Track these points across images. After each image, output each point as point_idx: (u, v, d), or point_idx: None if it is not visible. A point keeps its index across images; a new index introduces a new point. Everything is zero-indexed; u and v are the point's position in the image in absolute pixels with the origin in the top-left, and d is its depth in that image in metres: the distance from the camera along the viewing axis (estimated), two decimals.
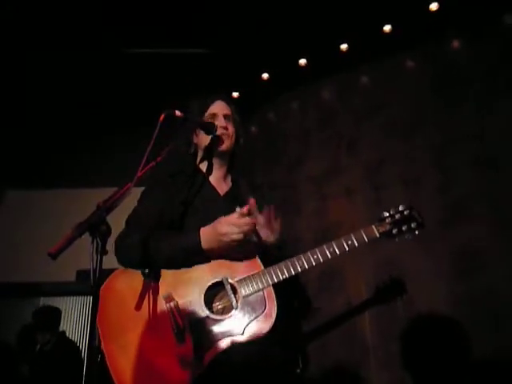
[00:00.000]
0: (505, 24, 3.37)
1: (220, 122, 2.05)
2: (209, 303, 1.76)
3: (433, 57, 3.59)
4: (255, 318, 1.70)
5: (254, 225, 1.79)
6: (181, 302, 1.73)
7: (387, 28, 3.60)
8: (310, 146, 3.99)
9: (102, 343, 1.71)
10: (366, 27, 3.62)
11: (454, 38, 3.55)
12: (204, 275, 1.78)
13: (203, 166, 2.10)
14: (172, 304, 1.72)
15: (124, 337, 1.71)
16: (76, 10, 3.40)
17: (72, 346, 4.43)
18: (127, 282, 1.79)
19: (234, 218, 1.73)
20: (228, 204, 1.96)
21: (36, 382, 4.06)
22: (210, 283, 1.76)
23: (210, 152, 2.07)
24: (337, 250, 1.83)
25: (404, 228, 1.88)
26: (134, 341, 1.70)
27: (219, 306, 1.78)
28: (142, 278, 1.76)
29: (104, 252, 1.38)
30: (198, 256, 1.77)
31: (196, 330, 1.69)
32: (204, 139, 2.06)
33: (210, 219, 1.80)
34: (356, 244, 1.85)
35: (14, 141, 5.12)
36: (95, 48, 3.73)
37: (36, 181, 6.01)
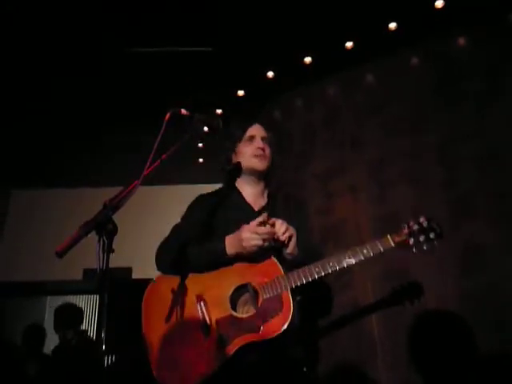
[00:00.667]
0: (510, 22, 3.36)
1: (258, 143, 2.25)
2: (234, 303, 1.97)
3: (438, 55, 3.59)
4: (272, 317, 1.87)
5: (273, 233, 1.96)
6: (210, 301, 1.97)
7: (392, 26, 3.59)
8: (314, 144, 3.99)
9: (144, 330, 2.04)
10: (371, 25, 3.61)
11: (458, 36, 3.55)
12: (231, 279, 2.00)
13: (240, 183, 2.30)
14: (202, 303, 1.97)
15: (161, 328, 1.98)
16: (77, 9, 3.40)
17: (94, 344, 4.40)
18: (168, 284, 2.05)
19: (254, 225, 1.95)
20: None
21: (52, 380, 4.06)
22: (235, 286, 1.98)
23: (247, 171, 2.26)
24: (353, 260, 1.91)
25: (421, 238, 1.86)
26: (169, 332, 1.97)
27: (243, 307, 1.98)
28: (180, 281, 2.02)
29: (110, 250, 1.39)
30: (222, 259, 2.00)
31: (221, 327, 1.91)
32: (243, 158, 2.26)
33: None
34: (371, 254, 1.89)
35: (18, 142, 5.15)
36: (97, 47, 3.72)
37: (41, 180, 6.05)
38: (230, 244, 1.98)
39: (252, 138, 2.27)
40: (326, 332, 3.22)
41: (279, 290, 1.91)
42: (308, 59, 3.93)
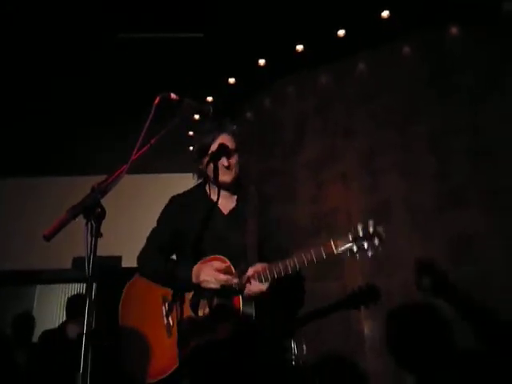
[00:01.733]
0: (504, 11, 3.35)
1: (222, 161, 2.20)
2: (197, 304, 2.10)
3: (431, 46, 3.58)
4: (223, 320, 1.98)
5: (231, 283, 1.99)
6: (174, 302, 2.12)
7: (385, 14, 3.57)
8: (306, 133, 3.98)
9: (120, 323, 2.26)
10: (363, 13, 3.59)
11: (452, 27, 3.53)
12: None
13: (211, 186, 2.31)
14: (166, 304, 2.15)
15: (134, 324, 2.21)
16: None
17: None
18: (145, 282, 2.25)
19: (215, 269, 2.01)
20: (231, 222, 2.22)
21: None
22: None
23: (214, 181, 2.26)
24: (297, 265, 1.92)
25: (365, 245, 1.81)
26: (140, 330, 2.19)
27: (204, 308, 2.09)
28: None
29: (98, 234, 1.38)
30: (187, 286, 2.10)
31: (181, 327, 2.07)
32: (209, 172, 2.23)
33: (213, 236, 2.15)
34: (315, 260, 1.89)
35: (9, 129, 5.09)
36: (86, 33, 3.68)
37: (32, 168, 5.99)
38: (195, 275, 2.06)
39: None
40: (313, 321, 3.24)
41: (231, 295, 1.99)
42: (300, 47, 3.90)
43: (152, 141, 1.68)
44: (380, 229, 1.82)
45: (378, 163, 3.53)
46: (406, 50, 3.71)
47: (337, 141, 3.79)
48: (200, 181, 2.38)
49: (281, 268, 1.93)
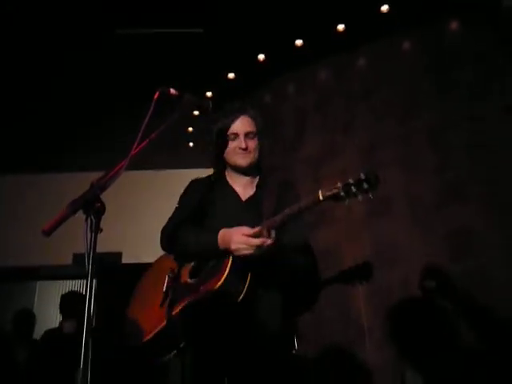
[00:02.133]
0: (503, 6, 3.34)
1: (240, 143, 2.17)
2: (197, 272, 2.05)
3: (430, 39, 3.58)
4: (210, 279, 1.94)
5: (263, 244, 1.87)
6: (178, 272, 2.10)
7: (384, 8, 3.57)
8: (306, 129, 3.98)
9: (132, 303, 2.27)
10: (363, 7, 3.59)
11: (451, 19, 3.53)
12: None
13: (229, 172, 2.29)
14: (170, 274, 2.11)
15: (140, 302, 2.24)
16: None
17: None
18: (162, 262, 2.26)
19: (248, 234, 1.88)
20: (249, 209, 2.16)
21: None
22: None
23: (231, 166, 2.25)
24: (286, 217, 1.86)
25: (354, 190, 1.71)
26: (142, 303, 2.20)
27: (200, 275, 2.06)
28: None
29: (98, 230, 1.38)
30: (213, 252, 1.99)
31: (175, 293, 2.04)
32: (226, 154, 2.22)
33: (229, 224, 1.99)
34: (302, 208, 1.84)
35: (8, 126, 5.09)
36: (85, 29, 3.67)
37: (31, 164, 5.99)
38: (222, 240, 1.97)
39: (235, 135, 2.20)
40: (313, 313, 3.25)
41: (223, 257, 1.94)
42: (299, 42, 3.89)
43: (151, 136, 1.67)
44: (371, 175, 1.70)
45: (377, 158, 3.53)
46: (406, 44, 3.71)
47: (337, 136, 3.79)
48: (218, 168, 2.33)
49: (276, 220, 1.88)
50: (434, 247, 3.10)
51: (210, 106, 1.99)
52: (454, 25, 3.53)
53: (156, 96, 1.74)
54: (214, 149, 2.27)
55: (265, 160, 2.35)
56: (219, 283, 1.88)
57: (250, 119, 2.23)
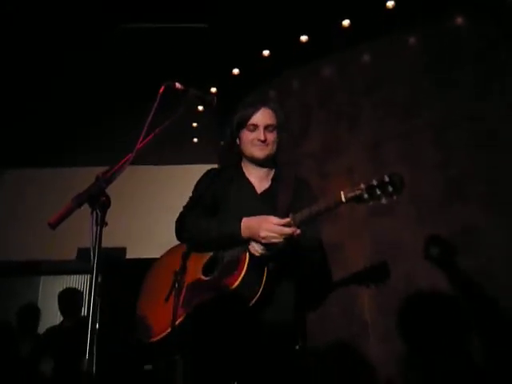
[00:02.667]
0: (507, 3, 3.32)
1: (259, 135, 2.17)
2: (212, 268, 2.04)
3: (434, 35, 3.56)
4: (227, 277, 1.93)
5: (291, 235, 1.88)
6: (189, 268, 2.08)
7: (390, 4, 3.56)
8: (310, 124, 3.97)
9: (141, 297, 2.26)
10: (368, 3, 3.57)
11: (455, 17, 3.51)
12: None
13: (246, 164, 2.30)
14: (178, 270, 2.08)
15: (150, 297, 2.21)
16: None
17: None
18: (169, 256, 2.25)
19: (279, 223, 1.88)
20: (264, 202, 2.17)
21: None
22: (209, 255, 2.08)
23: (248, 157, 2.26)
24: (304, 218, 1.85)
25: (378, 192, 1.69)
26: (152, 298, 2.17)
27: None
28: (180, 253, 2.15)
29: (104, 223, 1.38)
30: (235, 240, 2.00)
31: (188, 290, 2.03)
32: (243, 145, 2.24)
33: (244, 216, 2.01)
34: (323, 210, 1.82)
35: (12, 120, 5.10)
36: (88, 23, 3.66)
37: (33, 160, 6.01)
38: (246, 228, 1.96)
39: (255, 127, 2.19)
40: (317, 308, 3.26)
41: (238, 253, 1.96)
42: (304, 37, 3.88)
43: (157, 130, 1.68)
44: (396, 177, 1.68)
45: (382, 155, 3.52)
46: (410, 41, 3.69)
47: (341, 133, 3.79)
48: (235, 160, 2.35)
49: (304, 214, 1.86)
50: (437, 245, 3.09)
51: (215, 100, 1.99)
52: (457, 22, 3.51)
53: (161, 90, 1.74)
54: (232, 139, 2.29)
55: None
56: (237, 282, 1.88)
57: (271, 111, 2.23)
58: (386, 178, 1.68)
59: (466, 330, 2.85)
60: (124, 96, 4.55)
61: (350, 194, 1.73)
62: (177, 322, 1.96)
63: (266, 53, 4.04)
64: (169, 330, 1.97)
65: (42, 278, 7.59)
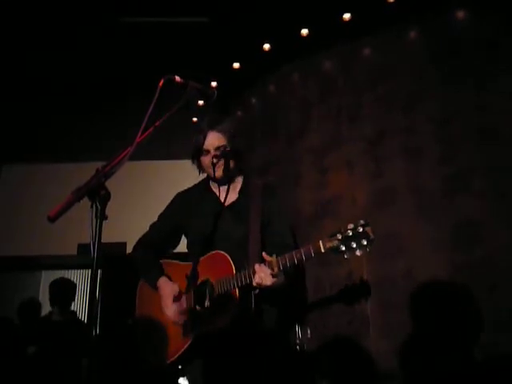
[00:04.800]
0: None
1: (209, 157, 2.33)
2: (202, 296, 2.20)
3: (436, 27, 3.54)
4: (220, 312, 2.09)
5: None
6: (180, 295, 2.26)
7: None
8: (310, 119, 3.96)
9: (137, 312, 2.46)
10: None
11: (457, 8, 3.49)
12: (198, 273, 2.25)
13: (212, 182, 2.47)
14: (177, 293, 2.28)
15: (148, 314, 2.38)
16: None
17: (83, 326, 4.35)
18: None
19: (176, 312, 2.22)
20: (231, 214, 2.33)
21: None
22: (200, 280, 2.23)
23: (210, 178, 2.45)
24: (287, 264, 1.98)
25: (354, 245, 1.85)
26: (152, 319, 2.34)
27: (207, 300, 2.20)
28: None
29: (103, 217, 1.38)
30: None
31: (186, 319, 2.21)
32: (203, 168, 2.42)
33: (214, 229, 2.27)
34: (304, 258, 1.94)
35: (8, 116, 5.09)
36: (88, 16, 3.65)
37: (35, 154, 6.00)
38: (160, 287, 2.30)
39: (207, 151, 2.34)
40: (319, 305, 3.26)
41: (229, 287, 2.09)
42: (305, 31, 3.86)
43: (156, 123, 1.67)
44: (368, 228, 1.86)
45: (382, 148, 3.51)
46: (412, 33, 3.67)
47: (341, 126, 3.77)
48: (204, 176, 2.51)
49: (280, 263, 1.99)
50: (439, 237, 3.09)
51: (215, 94, 1.97)
52: (459, 14, 3.49)
53: (161, 83, 1.73)
54: (196, 165, 2.46)
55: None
56: (228, 319, 2.05)
57: (217, 134, 2.34)
58: (360, 229, 1.85)
59: (467, 323, 2.84)
60: (124, 90, 4.54)
61: (329, 245, 1.89)
62: (181, 351, 2.17)
63: (266, 47, 4.02)
64: (175, 356, 2.18)
65: (43, 273, 7.60)
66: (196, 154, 2.41)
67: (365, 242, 1.84)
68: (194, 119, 5.01)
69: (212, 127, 2.35)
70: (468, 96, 3.24)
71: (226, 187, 2.39)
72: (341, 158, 3.68)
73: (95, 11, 3.60)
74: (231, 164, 2.36)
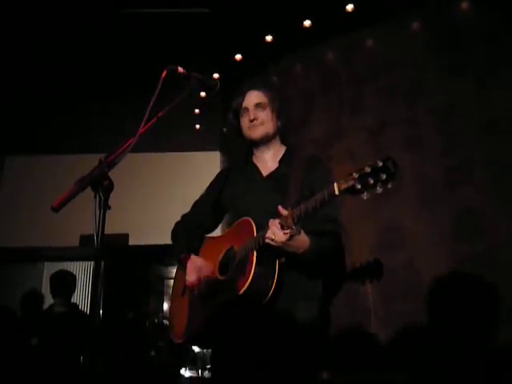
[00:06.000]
0: None
1: (248, 115, 2.22)
2: (225, 266, 2.08)
3: (438, 20, 3.52)
4: (237, 279, 1.93)
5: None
6: (207, 266, 2.14)
7: None
8: (312, 110, 3.96)
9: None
10: None
11: (460, 2, 3.47)
12: (224, 243, 2.15)
13: (254, 151, 2.34)
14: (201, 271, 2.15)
15: (176, 295, 2.37)
16: None
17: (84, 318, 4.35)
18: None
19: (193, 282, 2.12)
20: (269, 184, 2.18)
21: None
22: (225, 249, 2.11)
23: (250, 141, 2.29)
24: (302, 214, 1.76)
25: (371, 181, 1.58)
26: (177, 298, 2.34)
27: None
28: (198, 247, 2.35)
29: (107, 207, 1.38)
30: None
31: (206, 288, 2.10)
32: (243, 131, 2.28)
33: (252, 200, 2.14)
34: (319, 205, 1.72)
35: (11, 107, 5.09)
36: (88, 8, 3.63)
37: (38, 146, 6.01)
38: (185, 263, 2.19)
39: (245, 109, 2.25)
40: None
41: (247, 251, 1.93)
42: (307, 22, 3.85)
43: (159, 114, 1.67)
44: (389, 162, 1.58)
45: (384, 140, 3.51)
46: (414, 25, 3.65)
47: (343, 118, 3.77)
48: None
49: (294, 214, 1.77)
50: (440, 229, 3.10)
51: (218, 85, 1.97)
52: (461, 7, 3.47)
53: (163, 75, 1.72)
54: (235, 130, 2.34)
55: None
56: (245, 287, 1.85)
57: (257, 92, 2.26)
58: (380, 163, 1.58)
59: (468, 315, 2.86)
60: (126, 81, 4.54)
61: (344, 186, 1.64)
62: (195, 325, 2.11)
63: (268, 38, 4.01)
64: (187, 332, 2.15)
65: (46, 265, 7.63)
66: (235, 115, 2.30)
67: (384, 177, 1.57)
68: (197, 111, 5.02)
69: (251, 86, 2.29)
70: (469, 89, 3.23)
71: (266, 156, 2.28)
72: (343, 149, 3.68)
73: (95, 3, 3.58)
74: (271, 124, 2.24)
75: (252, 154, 2.35)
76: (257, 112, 2.22)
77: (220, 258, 2.11)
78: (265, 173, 2.24)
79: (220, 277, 2.06)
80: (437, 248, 3.06)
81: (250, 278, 1.84)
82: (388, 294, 3.13)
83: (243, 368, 1.97)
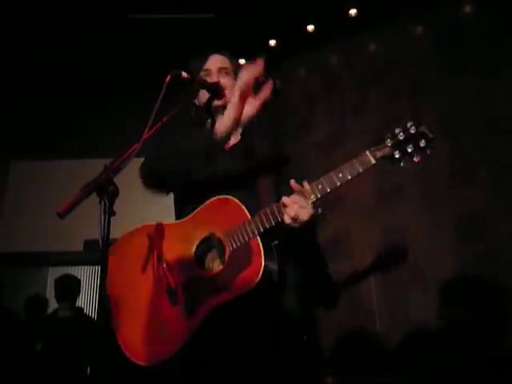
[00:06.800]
0: None
1: (212, 78, 1.97)
2: (202, 260, 1.71)
3: (440, 21, 3.54)
4: (242, 269, 1.60)
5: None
6: (173, 261, 1.71)
7: None
8: (315, 112, 3.97)
9: (109, 292, 1.77)
10: None
11: (461, 2, 3.48)
12: (194, 231, 1.74)
13: (213, 124, 1.96)
14: (164, 264, 1.69)
15: (127, 295, 1.78)
16: None
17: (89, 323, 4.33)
18: (135, 238, 1.87)
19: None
20: (234, 157, 1.92)
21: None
22: (199, 240, 1.72)
23: (210, 109, 1.98)
24: (327, 188, 1.58)
25: (410, 149, 1.47)
26: (134, 300, 1.75)
27: (212, 263, 1.71)
28: (143, 239, 1.80)
29: (111, 213, 1.38)
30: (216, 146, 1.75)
31: (188, 290, 1.66)
32: (203, 97, 1.96)
33: (214, 173, 1.82)
34: (349, 177, 1.55)
35: (16, 112, 5.11)
36: (97, 13, 3.65)
37: (43, 151, 6.01)
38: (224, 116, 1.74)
39: (207, 72, 2.01)
40: (324, 298, 3.26)
41: (246, 238, 1.62)
42: (311, 27, 3.86)
43: (164, 119, 1.66)
44: (423, 127, 1.48)
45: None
46: (416, 27, 3.67)
47: (347, 120, 3.78)
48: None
49: (316, 189, 1.58)
50: (443, 230, 3.09)
51: (222, 88, 1.96)
52: (463, 8, 3.49)
53: (168, 79, 1.72)
54: (194, 98, 2.01)
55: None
56: (259, 273, 1.57)
57: (222, 57, 2.07)
58: (413, 129, 1.46)
59: (473, 315, 2.85)
60: (131, 86, 4.54)
61: (379, 154, 1.50)
62: (187, 337, 1.63)
63: (272, 42, 4.02)
64: (176, 348, 1.63)
65: (50, 270, 7.63)
66: (202, 79, 1.95)
67: (423, 143, 1.46)
68: None
69: (214, 51, 2.07)
70: (471, 88, 3.25)
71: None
72: (346, 150, 3.69)
73: (103, 8, 3.60)
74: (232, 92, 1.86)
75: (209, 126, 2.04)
76: (220, 76, 2.00)
77: (193, 249, 1.71)
78: (227, 145, 1.94)
79: (206, 273, 1.68)
80: (440, 248, 3.06)
81: (262, 269, 1.57)
82: (392, 295, 3.12)
83: (235, 366, 1.66)
